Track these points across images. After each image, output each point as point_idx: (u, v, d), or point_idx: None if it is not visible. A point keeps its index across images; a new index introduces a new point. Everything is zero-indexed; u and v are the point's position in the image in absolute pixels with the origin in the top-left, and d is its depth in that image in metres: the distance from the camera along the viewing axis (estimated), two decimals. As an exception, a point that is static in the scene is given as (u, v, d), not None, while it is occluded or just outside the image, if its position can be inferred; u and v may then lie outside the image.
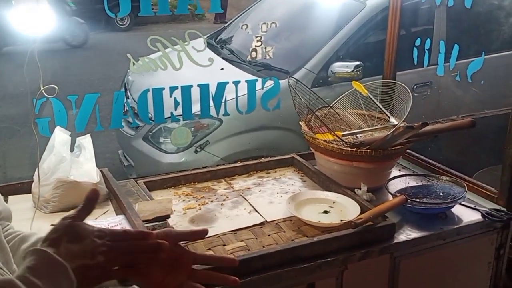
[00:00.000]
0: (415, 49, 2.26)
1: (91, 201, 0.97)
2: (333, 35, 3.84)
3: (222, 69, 3.89)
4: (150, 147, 3.73)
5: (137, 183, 2.02)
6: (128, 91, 4.09)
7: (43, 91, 1.57)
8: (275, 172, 2.28)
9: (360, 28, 3.85)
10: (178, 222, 1.81)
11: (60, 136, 1.76)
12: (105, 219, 1.62)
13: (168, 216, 1.67)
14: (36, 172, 1.73)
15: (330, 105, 2.31)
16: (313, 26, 4.05)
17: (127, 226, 1.57)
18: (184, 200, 1.99)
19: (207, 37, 4.70)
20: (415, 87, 3.87)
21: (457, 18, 3.75)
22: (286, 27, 4.20)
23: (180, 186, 2.12)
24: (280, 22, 4.16)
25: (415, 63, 2.29)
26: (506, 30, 3.85)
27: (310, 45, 3.95)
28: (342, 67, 3.69)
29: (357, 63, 3.66)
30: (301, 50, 3.96)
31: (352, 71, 3.65)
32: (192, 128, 3.51)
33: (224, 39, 4.58)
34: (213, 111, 2.24)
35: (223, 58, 4.11)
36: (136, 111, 2.18)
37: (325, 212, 1.88)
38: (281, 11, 4.36)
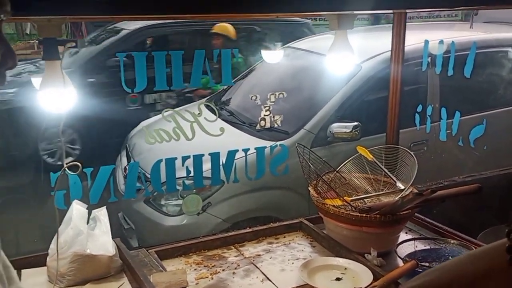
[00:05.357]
0: (416, 115, 2.35)
1: None
2: (331, 96, 3.94)
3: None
4: (152, 210, 3.72)
5: (148, 253, 2.03)
6: (130, 153, 4.13)
7: (66, 168, 1.60)
8: (284, 237, 2.29)
9: (357, 89, 3.97)
10: (192, 293, 1.80)
11: (77, 210, 1.78)
12: (122, 293, 1.62)
13: (184, 288, 1.67)
14: (51, 246, 1.74)
15: (337, 170, 2.36)
16: (310, 88, 4.16)
17: (145, 301, 1.57)
18: (195, 269, 2.00)
19: (207, 99, 4.80)
20: (411, 145, 3.95)
21: (450, 82, 3.90)
22: (284, 90, 4.30)
23: (191, 254, 2.12)
24: (278, 84, 4.30)
25: (418, 128, 2.37)
26: (501, 90, 4.02)
27: (308, 106, 4.04)
28: (340, 128, 3.76)
29: (355, 123, 3.73)
30: (300, 112, 4.04)
31: (351, 131, 3.72)
32: (194, 190, 3.53)
33: (223, 101, 4.68)
34: (222, 176, 2.27)
35: (222, 119, 4.19)
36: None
37: (338, 279, 1.88)
38: (278, 74, 4.49)
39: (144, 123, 4.25)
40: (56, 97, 1.44)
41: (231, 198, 3.62)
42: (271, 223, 2.34)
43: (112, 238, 1.94)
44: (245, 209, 3.65)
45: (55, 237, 1.73)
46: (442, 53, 2.22)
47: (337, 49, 1.88)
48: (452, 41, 2.16)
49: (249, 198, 3.62)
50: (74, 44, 1.46)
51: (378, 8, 1.67)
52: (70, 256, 1.70)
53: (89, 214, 1.81)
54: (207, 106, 4.51)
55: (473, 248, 2.01)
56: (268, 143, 2.49)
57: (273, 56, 2.39)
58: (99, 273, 1.76)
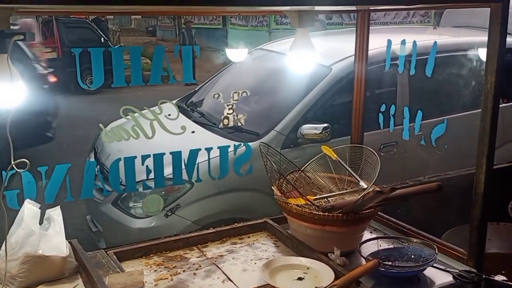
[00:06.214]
0: (380, 114, 2.35)
1: None
2: (301, 98, 3.95)
3: (193, 132, 3.93)
4: (120, 212, 3.67)
5: (107, 254, 1.98)
6: (97, 155, 4.06)
7: (13, 165, 1.55)
8: (248, 237, 2.27)
9: (327, 91, 3.98)
10: (150, 295, 1.76)
11: (29, 209, 1.72)
12: (75, 295, 1.57)
13: (140, 289, 1.63)
14: (2, 247, 1.68)
15: (301, 169, 2.35)
16: (281, 90, 4.16)
17: (97, 302, 1.52)
18: (155, 271, 1.95)
19: (178, 100, 4.76)
20: (381, 147, 3.98)
21: (420, 84, 3.94)
22: (255, 91, 4.30)
23: (152, 255, 2.08)
24: (249, 86, 4.30)
25: (381, 128, 2.37)
26: (466, 93, 4.09)
27: (279, 108, 4.04)
28: (310, 129, 3.77)
29: (325, 125, 3.74)
30: (270, 113, 4.04)
31: (321, 132, 3.73)
32: (163, 192, 3.48)
33: (194, 102, 4.65)
34: (185, 176, 2.24)
35: (194, 121, 4.16)
36: (106, 176, 2.18)
37: (300, 278, 1.87)
38: (250, 76, 4.48)
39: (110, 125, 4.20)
40: (3, 92, 1.39)
41: (200, 200, 3.59)
42: (235, 223, 2.31)
43: (78, 240, 1.89)
44: (215, 211, 3.62)
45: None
46: (404, 54, 2.22)
47: (298, 47, 1.86)
48: (414, 41, 2.17)
49: (218, 200, 3.59)
50: (22, 36, 1.41)
51: (338, 4, 1.66)
52: (21, 257, 1.64)
53: (43, 214, 1.76)
54: (178, 108, 4.52)
55: (435, 247, 2.01)
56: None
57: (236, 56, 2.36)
58: (52, 274, 1.70)
